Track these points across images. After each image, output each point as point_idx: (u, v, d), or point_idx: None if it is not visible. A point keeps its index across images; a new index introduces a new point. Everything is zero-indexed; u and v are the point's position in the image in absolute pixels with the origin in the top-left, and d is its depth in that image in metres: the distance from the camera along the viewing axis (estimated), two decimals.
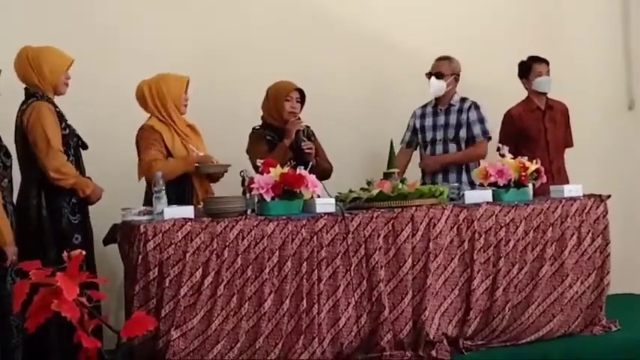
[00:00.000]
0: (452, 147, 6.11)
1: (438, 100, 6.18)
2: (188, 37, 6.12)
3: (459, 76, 6.15)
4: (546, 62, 6.36)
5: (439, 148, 6.13)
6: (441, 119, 6.15)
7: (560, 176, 6.26)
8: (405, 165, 6.17)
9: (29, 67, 4.70)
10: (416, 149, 6.30)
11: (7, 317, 4.33)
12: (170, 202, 4.84)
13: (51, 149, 4.59)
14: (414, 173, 6.09)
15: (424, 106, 6.26)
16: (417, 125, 6.22)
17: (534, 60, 6.35)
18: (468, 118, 6.12)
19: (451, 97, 6.17)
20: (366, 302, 4.99)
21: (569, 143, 6.50)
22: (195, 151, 5.23)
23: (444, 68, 6.09)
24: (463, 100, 6.18)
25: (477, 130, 6.11)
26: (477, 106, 6.15)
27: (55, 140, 4.60)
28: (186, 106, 5.28)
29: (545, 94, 6.38)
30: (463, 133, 6.12)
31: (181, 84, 5.24)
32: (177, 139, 5.20)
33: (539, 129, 6.33)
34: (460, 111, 6.15)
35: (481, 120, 6.12)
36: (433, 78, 6.09)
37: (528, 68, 6.36)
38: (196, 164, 5.16)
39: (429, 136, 6.18)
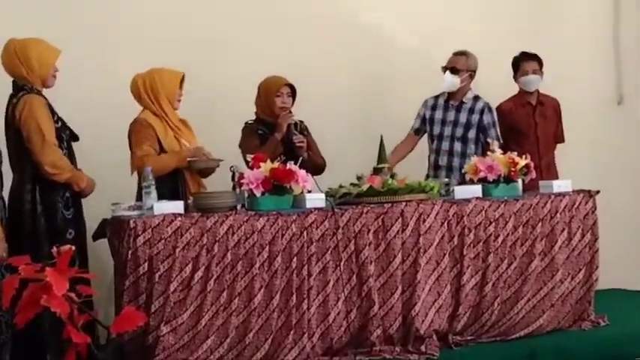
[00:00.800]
0: (457, 145, 6.07)
1: (450, 95, 6.13)
2: (179, 30, 6.09)
3: (474, 72, 6.08)
4: (536, 59, 6.34)
5: (445, 145, 6.09)
6: (451, 115, 6.11)
7: (549, 172, 6.27)
8: (408, 151, 6.16)
9: (17, 59, 4.67)
10: (422, 137, 6.27)
11: None
12: (162, 197, 4.84)
13: (46, 143, 4.56)
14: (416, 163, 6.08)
15: (436, 97, 6.18)
16: (427, 116, 6.16)
17: (522, 57, 6.35)
18: (481, 120, 6.09)
19: (464, 93, 6.11)
20: (356, 297, 4.99)
21: (560, 139, 6.51)
22: (187, 145, 5.22)
23: (459, 64, 6.03)
24: (476, 98, 6.13)
25: (492, 134, 6.07)
26: (490, 109, 6.12)
27: (49, 134, 4.58)
28: (179, 101, 5.26)
29: (535, 90, 6.38)
30: (472, 134, 6.08)
31: (176, 79, 5.22)
32: (170, 133, 5.19)
33: (529, 124, 6.34)
34: (472, 110, 6.11)
35: (494, 124, 6.12)
36: (448, 73, 6.03)
37: (517, 65, 6.37)
38: (189, 159, 5.14)
39: (436, 129, 6.13)
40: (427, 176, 6.01)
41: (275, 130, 5.51)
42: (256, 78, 5.66)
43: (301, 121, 5.72)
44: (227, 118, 5.89)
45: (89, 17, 5.86)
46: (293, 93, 5.64)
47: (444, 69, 6.06)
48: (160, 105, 5.18)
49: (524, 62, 6.33)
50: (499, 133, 6.09)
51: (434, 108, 6.16)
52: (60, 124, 4.71)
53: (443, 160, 6.09)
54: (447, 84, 6.05)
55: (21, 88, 4.68)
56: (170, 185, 5.11)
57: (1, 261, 4.31)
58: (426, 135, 6.24)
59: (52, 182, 4.62)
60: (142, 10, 6.03)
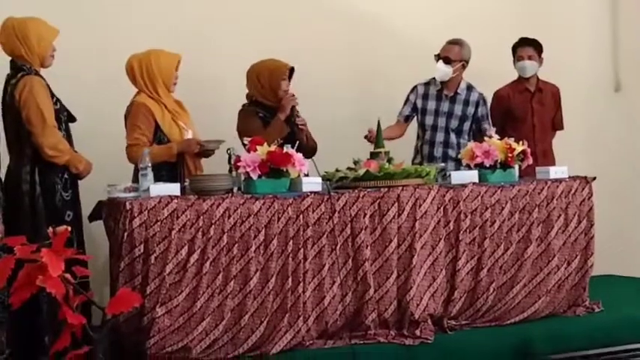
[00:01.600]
0: (452, 137, 6.07)
1: (443, 84, 6.10)
2: (176, 12, 6.07)
3: (467, 62, 6.05)
4: (532, 45, 6.31)
5: (440, 136, 6.07)
6: (445, 106, 6.08)
7: (546, 158, 6.27)
8: (396, 136, 6.11)
9: (15, 38, 4.63)
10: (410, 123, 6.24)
11: None
12: (163, 180, 4.85)
13: (46, 126, 4.54)
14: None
15: (427, 84, 6.15)
16: (419, 105, 6.12)
17: (519, 43, 6.35)
18: (476, 112, 6.09)
19: (458, 83, 6.10)
20: (351, 281, 5.00)
21: (558, 126, 6.51)
22: (184, 127, 5.20)
23: (452, 53, 5.99)
24: (469, 88, 6.11)
25: (485, 125, 6.07)
26: (485, 101, 6.13)
27: (49, 116, 4.56)
28: (175, 84, 5.24)
29: (532, 76, 6.36)
30: (467, 126, 6.08)
31: (172, 61, 5.19)
32: (168, 115, 5.17)
33: (525, 110, 6.34)
34: (467, 102, 6.09)
35: (488, 115, 6.13)
36: (440, 62, 5.98)
37: (514, 51, 6.36)
38: (203, 142, 5.12)
39: (429, 120, 6.11)
40: (420, 164, 5.97)
41: (275, 113, 5.48)
42: (250, 61, 5.63)
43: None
44: (224, 102, 5.85)
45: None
46: (290, 75, 5.62)
47: (437, 57, 6.02)
48: (155, 88, 5.15)
49: (520, 48, 6.33)
50: (491, 124, 6.07)
51: (426, 97, 6.12)
52: (59, 105, 4.69)
53: (438, 152, 6.08)
54: (440, 73, 6.02)
55: (20, 68, 4.65)
56: (170, 167, 5.10)
57: None
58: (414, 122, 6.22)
59: (50, 164, 4.61)
60: None
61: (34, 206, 4.59)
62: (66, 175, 4.68)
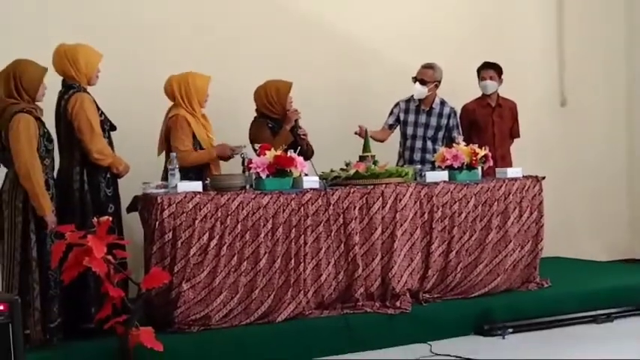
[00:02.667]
0: (429, 144, 6.03)
1: (420, 101, 6.02)
2: (191, 35, 6.02)
3: (439, 82, 5.97)
4: (493, 67, 6.28)
5: (418, 143, 6.00)
6: (423, 118, 6.02)
7: (504, 161, 6.21)
8: (382, 140, 6.00)
9: (67, 61, 4.58)
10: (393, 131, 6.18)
11: (47, 272, 4.30)
12: (191, 179, 4.87)
13: (94, 134, 4.49)
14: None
15: (407, 101, 6.06)
16: (402, 118, 6.03)
17: (482, 66, 6.31)
18: (448, 123, 6.03)
19: (432, 100, 6.02)
20: (344, 262, 4.99)
21: (516, 134, 6.46)
22: (213, 139, 5.17)
23: (427, 76, 5.91)
24: (442, 103, 6.04)
25: (455, 133, 5.99)
26: (455, 114, 6.08)
27: (96, 127, 4.51)
28: (206, 101, 5.22)
29: (492, 94, 6.34)
30: (440, 134, 6.02)
31: (206, 83, 5.14)
32: (202, 128, 5.15)
33: (487, 122, 6.30)
34: (440, 115, 6.02)
35: (458, 125, 6.07)
36: (417, 84, 5.91)
37: (478, 73, 6.35)
38: (233, 147, 5.12)
39: (409, 130, 6.03)
40: (402, 166, 5.94)
41: (284, 123, 5.45)
42: (258, 81, 5.60)
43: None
44: (241, 115, 5.80)
45: (123, 20, 5.77)
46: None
47: (414, 79, 6.00)
48: (191, 106, 5.11)
49: (483, 70, 6.29)
50: (461, 132, 6.06)
51: (407, 111, 6.07)
52: (103, 117, 4.66)
53: (417, 156, 6.01)
54: (417, 93, 5.97)
55: (70, 86, 4.61)
56: (196, 169, 5.10)
57: (52, 230, 4.29)
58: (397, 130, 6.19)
59: (96, 166, 4.56)
60: (168, 12, 5.97)
61: (83, 200, 4.55)
62: (108, 175, 4.64)
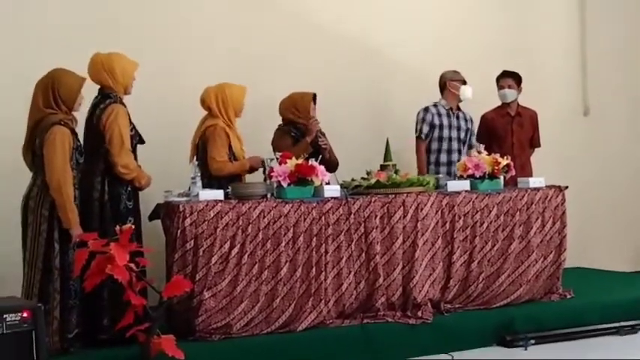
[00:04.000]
0: (462, 145, 6.04)
1: (451, 106, 6.04)
2: (225, 50, 6.05)
3: None
4: (511, 76, 6.25)
5: (454, 145, 6.01)
6: (455, 121, 6.01)
7: (524, 171, 6.14)
8: (426, 158, 6.03)
9: (103, 70, 4.57)
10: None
11: (68, 282, 4.29)
12: (213, 187, 4.88)
13: (123, 149, 4.48)
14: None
15: (436, 106, 6.04)
16: (437, 122, 6.01)
17: (501, 75, 6.29)
18: (472, 126, 6.09)
19: (457, 105, 6.08)
20: (364, 271, 4.98)
21: (536, 144, 6.43)
22: (244, 150, 5.19)
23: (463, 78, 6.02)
24: (459, 109, 6.09)
25: (473, 138, 6.07)
26: (472, 119, 6.14)
27: (127, 141, 4.50)
28: (242, 111, 5.23)
29: (512, 102, 6.31)
30: (466, 136, 6.08)
31: (243, 94, 5.16)
32: (237, 140, 5.17)
33: (506, 131, 6.26)
34: (465, 119, 6.08)
35: (474, 131, 6.12)
36: (467, 85, 5.96)
37: (497, 81, 6.32)
38: (263, 159, 5.11)
39: (445, 132, 6.00)
40: (437, 172, 5.89)
41: (303, 133, 5.46)
42: (280, 90, 5.61)
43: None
44: (265, 123, 5.81)
45: (162, 29, 5.80)
46: (314, 100, 5.60)
47: (463, 82, 5.98)
48: (228, 116, 5.12)
49: (502, 79, 6.28)
50: (475, 139, 6.13)
51: (439, 115, 6.04)
52: (133, 131, 4.65)
53: (454, 157, 5.99)
54: (470, 94, 5.94)
55: (107, 96, 4.59)
56: (229, 179, 5.09)
57: (75, 243, 4.28)
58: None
59: (118, 178, 4.56)
60: (195, 33, 6.00)
61: (103, 211, 4.53)
62: (129, 188, 4.63)
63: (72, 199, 4.28)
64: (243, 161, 5.16)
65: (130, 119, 4.59)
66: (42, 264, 4.28)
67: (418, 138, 6.05)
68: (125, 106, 4.59)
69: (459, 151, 6.04)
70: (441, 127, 6.03)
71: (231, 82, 5.18)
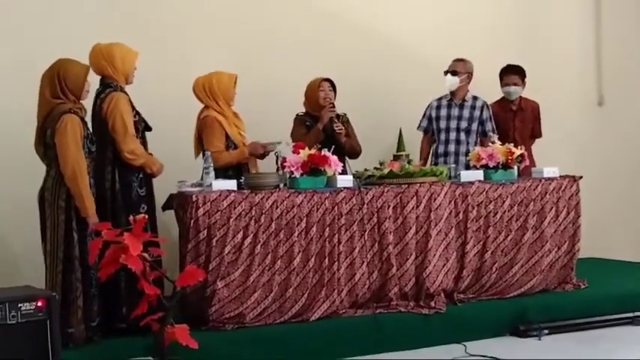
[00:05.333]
0: (462, 135, 5.98)
1: (453, 95, 6.01)
2: (228, 34, 6.04)
3: (471, 75, 5.94)
4: (517, 72, 6.19)
5: (452, 135, 5.95)
6: (455, 111, 5.98)
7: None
8: (428, 151, 6.06)
9: (104, 60, 4.60)
10: (433, 135, 6.15)
11: (88, 271, 4.32)
12: (229, 178, 4.87)
13: (127, 134, 4.50)
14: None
15: (440, 99, 6.04)
16: (433, 115, 6.02)
17: (506, 70, 6.22)
18: (481, 115, 5.99)
19: (465, 94, 5.98)
20: (377, 261, 4.97)
21: (537, 134, 6.37)
22: (245, 136, 5.18)
23: (458, 67, 5.91)
24: (475, 98, 6.00)
25: (489, 126, 5.98)
26: (488, 107, 6.03)
27: (130, 127, 4.52)
28: (233, 99, 5.22)
29: (516, 98, 6.27)
30: (474, 126, 5.97)
31: (231, 81, 5.14)
32: (234, 126, 5.16)
33: (508, 127, 6.19)
34: (473, 107, 5.99)
35: (490, 118, 6.02)
36: (449, 75, 5.91)
37: (501, 77, 6.28)
38: (264, 144, 5.12)
39: (442, 124, 5.98)
40: (435, 164, 5.90)
41: (318, 121, 5.47)
42: (303, 78, 5.60)
43: (344, 114, 5.64)
44: (278, 111, 5.81)
45: (164, 19, 5.81)
46: (334, 87, 5.59)
47: (446, 72, 5.97)
48: (217, 104, 5.12)
49: (506, 75, 6.20)
50: (494, 126, 6.02)
51: (438, 108, 6.02)
52: (137, 117, 4.67)
53: (451, 148, 5.97)
54: (449, 83, 5.94)
55: (108, 85, 4.62)
56: (235, 167, 5.11)
57: (92, 232, 4.30)
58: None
59: (128, 165, 4.58)
60: (204, 28, 5.99)
61: (114, 199, 4.55)
62: (141, 175, 4.63)
63: (88, 188, 4.30)
64: (242, 149, 5.13)
65: (132, 106, 4.61)
66: (62, 254, 4.30)
67: (418, 131, 6.07)
68: (127, 94, 4.61)
69: (458, 141, 5.95)
70: (437, 119, 6.02)
71: (221, 71, 5.16)
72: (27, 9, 5.46)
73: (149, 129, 4.78)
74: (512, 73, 6.20)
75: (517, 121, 6.24)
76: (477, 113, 6.00)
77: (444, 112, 6.01)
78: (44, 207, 4.37)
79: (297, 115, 5.59)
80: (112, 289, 4.42)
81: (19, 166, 5.08)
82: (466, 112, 5.99)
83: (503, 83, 6.22)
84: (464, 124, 5.97)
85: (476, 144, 5.93)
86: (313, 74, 5.61)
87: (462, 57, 5.97)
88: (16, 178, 5.14)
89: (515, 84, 6.17)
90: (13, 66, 5.32)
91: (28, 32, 5.42)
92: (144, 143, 4.70)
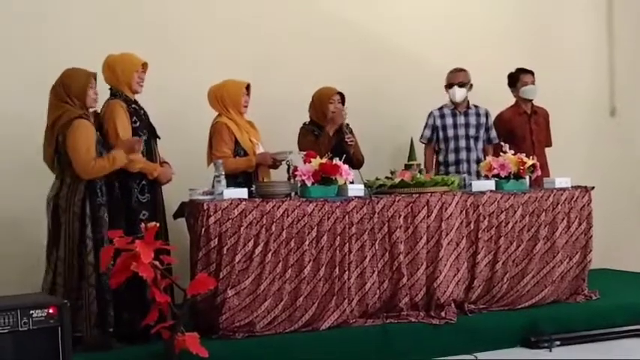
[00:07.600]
0: (472, 142, 6.00)
1: (455, 104, 6.04)
2: (244, 49, 6.08)
3: (472, 84, 6.04)
4: (531, 73, 6.23)
5: (462, 143, 5.97)
6: (462, 119, 5.98)
7: (543, 171, 6.04)
8: (432, 160, 6.07)
9: (107, 70, 4.66)
10: (436, 145, 6.15)
11: (103, 276, 4.34)
12: (240, 185, 4.88)
13: (119, 140, 4.55)
14: None
15: (441, 108, 6.06)
16: (438, 124, 6.01)
17: (521, 71, 6.24)
18: (487, 122, 6.03)
19: (467, 103, 6.04)
20: (388, 271, 4.96)
21: (548, 143, 6.39)
22: (256, 143, 5.19)
23: (463, 78, 5.94)
24: (476, 106, 6.05)
25: (493, 134, 6.03)
26: (489, 114, 6.07)
27: (123, 132, 4.54)
28: (246, 107, 5.21)
29: (531, 100, 6.27)
30: (481, 133, 6.01)
31: (240, 89, 5.15)
32: (245, 133, 5.17)
33: (525, 130, 6.21)
34: (478, 114, 6.02)
35: (493, 125, 6.06)
36: (456, 87, 5.92)
37: (516, 79, 6.26)
38: (274, 154, 5.12)
39: (450, 132, 5.98)
40: (446, 174, 5.89)
41: (327, 125, 5.44)
42: (310, 89, 5.62)
43: (347, 124, 5.68)
44: (287, 121, 5.82)
45: (174, 31, 5.86)
46: (342, 100, 5.60)
47: (450, 85, 5.97)
48: (228, 111, 5.14)
49: (524, 75, 6.22)
50: (496, 133, 6.06)
51: (442, 117, 6.00)
52: (138, 124, 4.66)
53: (463, 156, 5.96)
54: (459, 96, 5.93)
55: (113, 94, 4.67)
56: (246, 175, 5.12)
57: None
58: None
59: (128, 171, 4.59)
60: (215, 34, 6.02)
61: (114, 204, 4.58)
62: (143, 182, 4.66)
63: (122, 157, 4.39)
64: (250, 157, 5.13)
65: (135, 113, 4.63)
66: (76, 261, 4.33)
67: (421, 142, 6.06)
68: (130, 102, 4.63)
69: (468, 149, 5.96)
70: (444, 127, 6.01)
71: (233, 79, 5.18)
72: (41, 16, 5.51)
73: (157, 137, 4.79)
74: (527, 72, 6.21)
75: (533, 124, 6.24)
76: (482, 120, 6.04)
77: (449, 120, 6.01)
78: (58, 214, 4.39)
79: (303, 124, 5.59)
80: (124, 296, 4.44)
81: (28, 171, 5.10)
82: (472, 120, 6.01)
83: (521, 84, 6.22)
84: (472, 131, 5.98)
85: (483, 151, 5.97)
86: (321, 83, 5.61)
87: (460, 67, 5.98)
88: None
89: (533, 82, 6.19)
90: (27, 73, 5.35)
91: (41, 38, 5.47)
92: (150, 151, 4.70)
